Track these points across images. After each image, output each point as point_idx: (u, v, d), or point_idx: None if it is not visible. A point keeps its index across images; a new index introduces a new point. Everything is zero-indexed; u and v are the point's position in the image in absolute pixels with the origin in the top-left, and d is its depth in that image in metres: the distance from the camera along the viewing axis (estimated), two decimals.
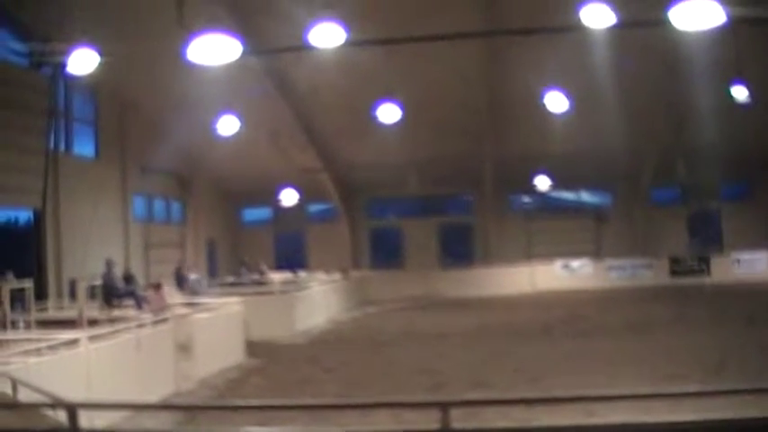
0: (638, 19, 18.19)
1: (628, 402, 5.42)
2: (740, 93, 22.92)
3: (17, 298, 14.78)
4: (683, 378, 11.94)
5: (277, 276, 27.18)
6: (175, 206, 30.87)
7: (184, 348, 13.78)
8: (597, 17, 15.97)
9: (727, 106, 24.44)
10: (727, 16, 13.51)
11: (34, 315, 14.96)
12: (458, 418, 4.77)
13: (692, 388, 5.33)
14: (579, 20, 16.32)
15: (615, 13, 15.82)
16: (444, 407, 4.77)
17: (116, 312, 15.62)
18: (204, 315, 15.51)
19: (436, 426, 4.73)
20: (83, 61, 16.22)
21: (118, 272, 17.92)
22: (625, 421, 4.68)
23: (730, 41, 20.48)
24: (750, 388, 4.83)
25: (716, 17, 13.16)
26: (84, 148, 24.38)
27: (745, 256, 30.60)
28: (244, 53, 15.42)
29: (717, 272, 30.49)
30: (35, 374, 8.65)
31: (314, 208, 36.35)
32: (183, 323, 14.16)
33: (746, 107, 23.21)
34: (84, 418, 5.12)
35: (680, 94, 26.08)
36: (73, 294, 19.61)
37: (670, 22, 13.73)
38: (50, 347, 10.54)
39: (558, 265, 31.83)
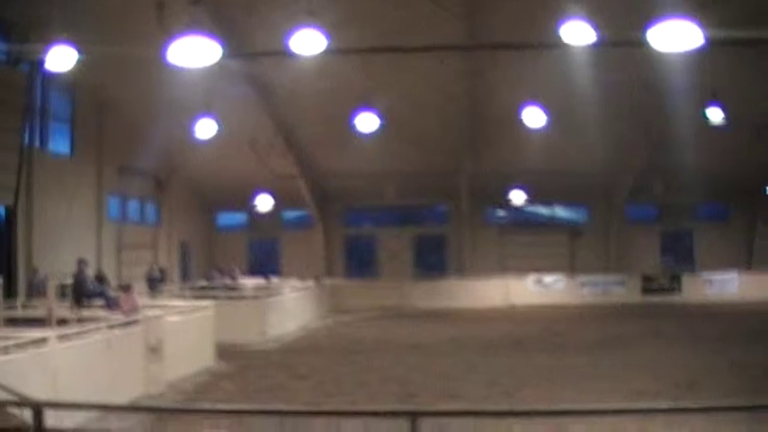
0: (617, 38, 18.34)
1: (599, 417, 5.43)
2: (715, 114, 23.15)
3: None
4: (655, 394, 12.02)
5: (250, 282, 27.05)
6: (150, 207, 30.64)
7: (154, 351, 13.66)
8: (577, 35, 16.06)
9: (704, 128, 24.69)
10: (705, 38, 13.64)
11: (2, 313, 14.75)
12: (428, 429, 4.75)
13: (664, 404, 5.36)
14: (559, 37, 16.41)
15: (595, 31, 15.91)
16: (413, 417, 4.76)
17: (86, 312, 15.44)
18: (175, 318, 15.38)
19: None
20: (61, 59, 16.06)
21: (90, 272, 17.72)
22: None
23: (707, 63, 20.72)
24: (721, 405, 4.87)
25: (693, 39, 13.29)
26: (59, 145, 24.13)
27: (717, 276, 30.88)
28: (224, 56, 15.36)
29: (688, 291, 30.76)
30: (1, 372, 8.52)
31: (289, 214, 36.30)
32: (154, 325, 14.04)
33: (723, 129, 23.45)
34: (51, 418, 5.05)
35: (658, 113, 26.32)
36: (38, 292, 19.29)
37: (649, 43, 13.85)
38: (18, 345, 10.40)
39: (530, 279, 31.87)
